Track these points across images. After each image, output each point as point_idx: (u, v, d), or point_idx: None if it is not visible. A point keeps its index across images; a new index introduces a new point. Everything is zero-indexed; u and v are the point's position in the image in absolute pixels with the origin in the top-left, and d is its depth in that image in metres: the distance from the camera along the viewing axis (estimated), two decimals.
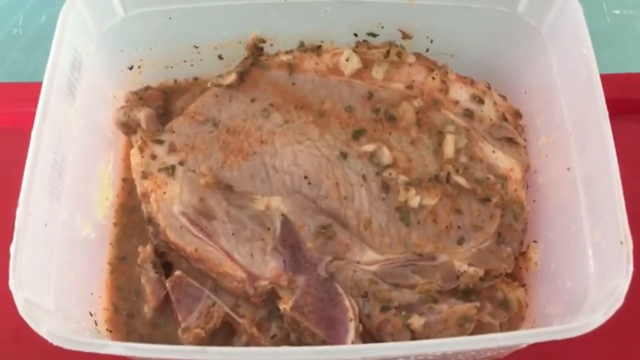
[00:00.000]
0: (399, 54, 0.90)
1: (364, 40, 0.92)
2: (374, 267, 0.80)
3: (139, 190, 0.83)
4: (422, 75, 0.90)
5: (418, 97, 0.87)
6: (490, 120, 0.89)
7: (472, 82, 0.91)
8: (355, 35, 0.91)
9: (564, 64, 0.80)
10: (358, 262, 0.80)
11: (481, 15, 0.88)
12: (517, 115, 0.92)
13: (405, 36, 0.91)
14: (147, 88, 0.94)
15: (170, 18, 0.87)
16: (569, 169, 0.78)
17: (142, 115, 0.84)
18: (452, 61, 0.94)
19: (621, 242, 0.63)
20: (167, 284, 0.79)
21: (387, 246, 0.80)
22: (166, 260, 0.83)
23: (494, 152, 0.87)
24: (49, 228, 0.69)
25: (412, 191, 0.81)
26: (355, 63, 0.88)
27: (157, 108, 0.89)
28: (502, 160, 0.86)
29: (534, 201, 0.87)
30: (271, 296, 0.80)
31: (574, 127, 0.78)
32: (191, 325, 0.77)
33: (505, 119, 0.90)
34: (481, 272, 0.80)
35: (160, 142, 0.84)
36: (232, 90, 0.88)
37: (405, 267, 0.80)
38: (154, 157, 0.83)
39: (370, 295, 0.79)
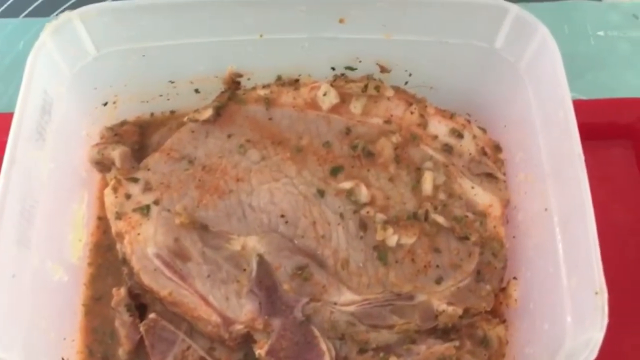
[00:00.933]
0: (377, 88, 0.89)
1: (342, 74, 0.91)
2: (351, 308, 0.79)
3: (113, 230, 0.82)
4: (401, 109, 0.89)
5: (396, 132, 0.86)
6: (470, 154, 0.89)
7: (451, 116, 0.90)
8: (333, 69, 0.90)
9: (540, 102, 0.79)
10: (335, 304, 0.78)
11: (459, 50, 0.87)
12: (497, 149, 0.91)
13: (384, 70, 0.91)
14: (123, 123, 0.92)
15: (144, 55, 0.85)
16: (546, 209, 0.77)
17: (116, 153, 0.83)
18: (431, 93, 0.93)
19: (596, 293, 0.63)
20: (141, 328, 0.78)
21: (364, 286, 0.79)
22: (141, 302, 0.82)
23: (473, 187, 0.86)
24: (17, 278, 0.68)
25: (390, 230, 0.80)
26: (332, 97, 0.87)
27: (133, 144, 0.88)
28: (481, 196, 0.86)
29: (514, 237, 0.86)
30: (247, 339, 0.79)
31: (551, 167, 0.77)
32: None
33: (485, 153, 0.90)
34: (460, 311, 0.79)
35: (135, 180, 0.83)
36: (208, 126, 0.87)
37: (383, 307, 0.79)
38: (128, 196, 0.82)
39: (347, 337, 0.78)
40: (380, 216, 0.82)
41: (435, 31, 0.85)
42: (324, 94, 0.88)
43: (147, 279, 0.78)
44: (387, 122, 0.88)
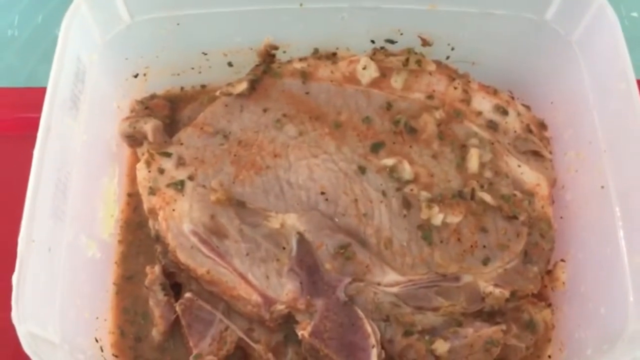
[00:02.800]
0: (418, 62, 0.85)
1: (382, 47, 0.87)
2: (395, 289, 0.76)
3: (145, 206, 0.79)
4: (443, 84, 0.85)
5: (439, 108, 0.83)
6: (515, 132, 0.85)
7: (495, 92, 0.87)
8: (373, 42, 0.87)
9: (596, 76, 0.76)
10: (379, 284, 0.76)
11: (505, 22, 0.83)
12: (542, 126, 0.88)
13: (425, 43, 0.87)
14: (153, 96, 0.89)
15: (178, 24, 0.82)
16: (602, 187, 0.74)
17: (149, 127, 0.80)
18: (473, 69, 0.90)
19: None
20: (177, 308, 0.74)
21: (408, 266, 0.76)
22: (175, 281, 0.78)
23: (519, 166, 0.82)
24: (53, 253, 0.65)
25: (435, 208, 0.77)
26: (372, 71, 0.84)
27: (164, 118, 0.85)
28: (528, 175, 0.82)
29: (561, 218, 0.83)
30: (287, 320, 0.75)
31: (609, 143, 0.74)
32: (203, 351, 0.73)
33: (530, 131, 0.86)
34: (507, 294, 0.76)
35: (168, 155, 0.80)
36: (242, 100, 0.83)
37: (428, 288, 0.76)
38: (161, 171, 0.79)
39: (392, 319, 0.75)
40: (425, 194, 0.78)
41: (480, 2, 0.82)
42: (364, 68, 0.84)
43: (183, 257, 0.75)
44: (429, 97, 0.84)
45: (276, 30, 0.85)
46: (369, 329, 0.74)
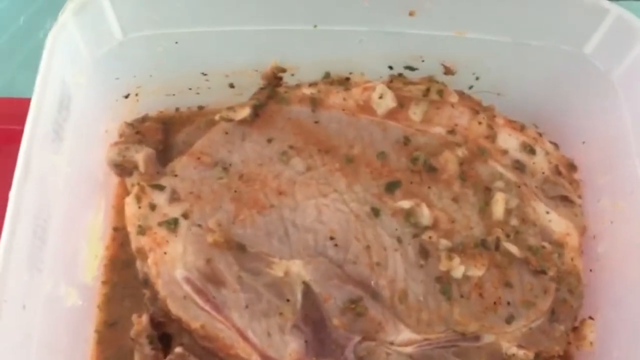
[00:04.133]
0: (440, 92, 0.77)
1: (400, 74, 0.80)
2: (409, 349, 0.68)
3: (133, 245, 0.70)
4: (466, 118, 0.78)
5: (462, 145, 0.75)
6: (543, 173, 0.77)
7: (522, 128, 0.79)
8: (391, 67, 0.79)
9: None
10: (391, 343, 0.68)
11: (539, 53, 0.76)
12: (572, 167, 0.80)
13: (448, 71, 0.79)
14: (145, 119, 0.81)
15: (176, 42, 0.74)
16: None
17: (140, 156, 0.71)
18: (498, 100, 0.82)
19: None
20: None
21: (424, 324, 0.69)
22: (165, 332, 0.70)
23: (547, 212, 0.75)
24: (28, 310, 0.56)
25: (456, 259, 0.69)
26: (389, 101, 0.76)
27: (156, 143, 0.76)
28: (557, 223, 0.75)
29: (591, 271, 0.76)
30: None
31: None
32: None
33: (559, 173, 0.79)
34: (531, 355, 0.69)
35: (161, 188, 0.71)
36: (245, 127, 0.75)
37: (445, 348, 0.69)
38: (153, 207, 0.70)
39: None
40: (444, 242, 0.71)
41: (514, 31, 0.74)
42: (380, 97, 0.76)
43: (175, 308, 0.67)
44: (451, 132, 0.77)
45: (284, 51, 0.77)
46: None
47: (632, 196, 0.69)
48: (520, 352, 0.69)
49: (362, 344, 0.67)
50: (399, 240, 0.71)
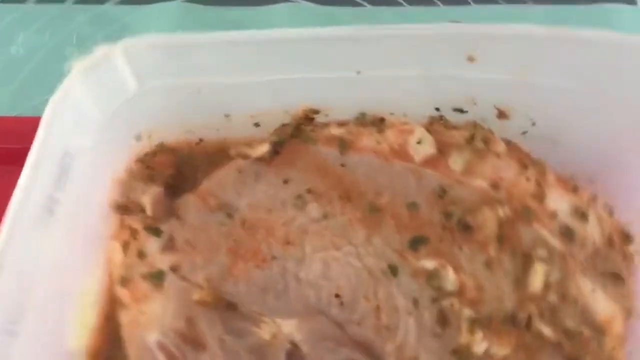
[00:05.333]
0: (485, 140, 0.69)
1: (441, 117, 0.72)
2: None
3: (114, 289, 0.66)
4: (513, 172, 0.69)
5: (505, 203, 0.67)
6: (594, 244, 0.68)
7: (575, 189, 0.70)
8: (437, 109, 0.71)
9: None
10: None
11: (607, 102, 0.66)
12: (627, 238, 0.71)
13: (502, 115, 0.71)
14: (158, 150, 0.73)
15: (199, 92, 0.68)
16: None
17: (147, 198, 0.65)
18: (552, 150, 0.73)
19: None
20: None
21: None
22: None
23: (593, 291, 0.66)
24: None
25: (479, 333, 0.62)
26: (428, 147, 0.68)
27: (168, 177, 0.70)
28: (603, 304, 0.66)
29: (630, 352, 0.67)
30: None
31: None
32: None
33: (612, 244, 0.69)
34: None
35: (157, 233, 0.66)
36: (261, 166, 0.69)
37: None
38: (142, 255, 0.65)
39: None
40: (468, 312, 0.63)
41: (583, 76, 0.65)
42: (418, 142, 0.69)
43: None
44: (494, 186, 0.68)
45: (319, 96, 0.70)
46: None
47: None
48: None
49: None
50: (415, 303, 0.64)
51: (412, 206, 0.67)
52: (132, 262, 0.65)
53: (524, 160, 0.70)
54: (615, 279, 0.68)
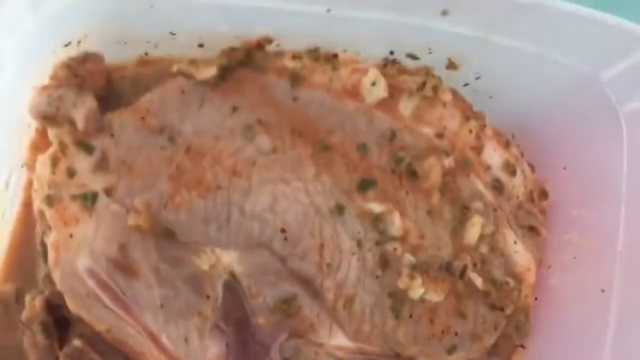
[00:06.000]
0: (434, 89, 0.67)
1: (394, 60, 0.68)
2: (340, 353, 0.62)
3: (36, 209, 0.55)
4: (456, 122, 0.68)
5: (450, 154, 0.66)
6: (518, 198, 0.71)
7: (507, 144, 0.72)
8: (392, 52, 0.67)
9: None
10: (321, 345, 0.62)
11: (551, 67, 0.67)
12: (543, 195, 0.75)
13: (452, 66, 0.69)
14: (86, 58, 0.60)
15: (151, 6, 0.57)
16: (603, 290, 0.64)
17: (80, 113, 0.54)
18: (487, 103, 0.73)
19: None
20: (61, 359, 0.54)
21: (364, 335, 0.62)
22: (61, 315, 0.57)
23: (515, 242, 0.69)
24: None
25: (418, 280, 0.62)
26: (381, 90, 0.65)
27: (98, 90, 0.59)
28: (522, 256, 0.69)
29: (536, 299, 0.72)
30: None
31: (630, 248, 0.62)
32: None
33: (532, 199, 0.73)
34: None
35: (89, 149, 0.56)
36: (206, 90, 0.61)
37: None
38: (71, 173, 0.56)
39: None
40: (409, 258, 0.63)
41: (538, 42, 0.65)
42: (372, 83, 0.64)
43: (75, 307, 0.55)
44: (439, 135, 0.67)
45: (275, 24, 0.63)
46: None
47: (609, 238, 0.64)
48: None
49: (289, 341, 0.60)
50: (359, 244, 0.62)
51: (362, 147, 0.64)
52: (61, 180, 0.55)
53: (467, 112, 0.70)
54: (532, 231, 0.72)
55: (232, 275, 0.59)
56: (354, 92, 0.65)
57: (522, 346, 0.71)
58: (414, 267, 0.63)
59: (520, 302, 0.69)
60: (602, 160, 0.68)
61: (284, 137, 0.61)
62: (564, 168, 0.74)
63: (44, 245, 0.56)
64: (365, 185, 0.63)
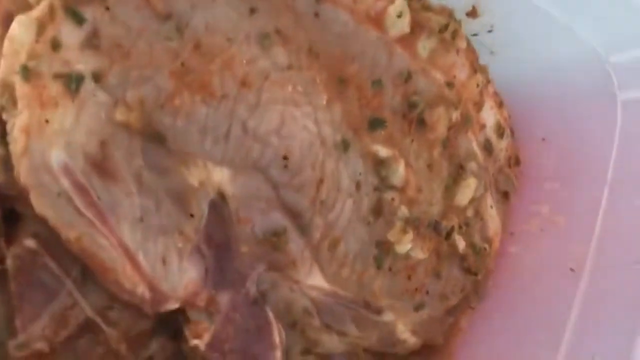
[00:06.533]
0: (454, 33, 0.63)
1: None
2: (314, 293, 0.59)
3: (1, 75, 0.44)
4: (465, 73, 0.65)
5: (458, 107, 0.62)
6: (499, 162, 0.71)
7: (500, 105, 0.70)
8: None
9: (630, 158, 0.64)
10: (297, 282, 0.58)
11: (566, 38, 0.66)
12: (517, 161, 0.75)
13: (472, 14, 0.65)
14: None
15: None
16: (572, 270, 0.64)
17: None
18: (487, 58, 0.71)
19: None
20: (9, 260, 0.45)
21: (341, 279, 0.59)
22: (12, 209, 0.47)
23: (491, 207, 0.69)
24: None
25: (409, 235, 0.59)
26: (405, 23, 0.59)
27: None
28: (494, 221, 0.69)
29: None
30: (172, 312, 0.53)
31: (608, 233, 0.63)
32: (32, 337, 0.46)
33: (509, 165, 0.73)
34: (419, 345, 0.66)
35: (80, 19, 0.45)
36: None
37: (347, 308, 0.61)
38: (56, 45, 0.44)
39: (298, 328, 0.60)
40: (404, 211, 0.60)
41: (563, 8, 0.64)
42: (398, 15, 0.58)
43: (42, 206, 0.45)
44: (449, 84, 0.63)
45: None
46: (277, 339, 0.57)
47: (585, 219, 0.65)
48: (412, 340, 0.65)
49: (267, 273, 0.56)
50: (358, 186, 0.58)
51: (378, 83, 0.58)
52: (43, 51, 0.44)
53: (475, 65, 0.66)
54: (504, 197, 0.72)
55: (221, 195, 0.52)
56: (378, 21, 0.58)
57: (471, 307, 0.73)
58: (407, 221, 0.60)
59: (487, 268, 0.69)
60: (589, 140, 0.69)
61: (300, 55, 0.54)
62: (543, 139, 0.74)
63: (1, 124, 0.45)
64: (375, 124, 0.58)
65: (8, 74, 0.43)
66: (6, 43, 0.43)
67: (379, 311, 0.62)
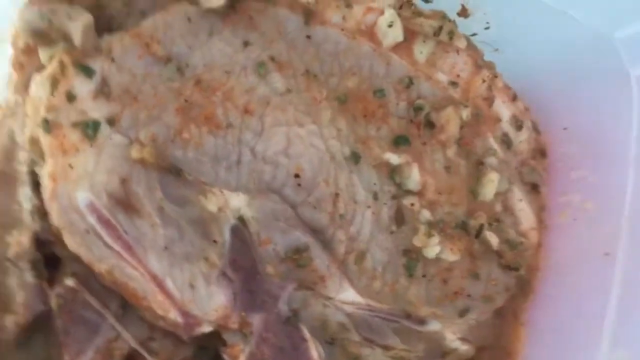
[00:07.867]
0: (450, 34, 0.64)
1: (409, 1, 0.64)
2: (349, 308, 0.59)
3: (28, 135, 0.49)
4: (468, 70, 0.65)
5: (468, 105, 0.63)
6: (522, 154, 0.70)
7: (514, 97, 0.70)
8: None
9: None
10: (329, 298, 0.58)
11: (566, 23, 0.66)
12: (542, 154, 0.74)
13: (463, 13, 0.67)
14: None
15: None
16: (607, 254, 0.63)
17: (77, 25, 0.47)
18: (492, 56, 0.71)
19: None
20: (53, 300, 0.48)
21: (374, 291, 0.59)
22: (51, 252, 0.51)
23: (520, 200, 0.68)
24: None
25: (435, 238, 0.59)
26: (398, 32, 0.61)
27: (90, 9, 0.50)
28: (527, 214, 0.68)
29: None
30: (210, 336, 0.55)
31: (638, 213, 0.61)
32: None
33: (535, 157, 0.72)
34: (473, 352, 0.64)
35: (89, 72, 0.50)
36: (215, 20, 0.55)
37: (386, 321, 0.61)
38: (71, 98, 0.49)
39: (337, 343, 0.59)
40: (426, 214, 0.60)
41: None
42: (389, 25, 0.61)
43: (74, 244, 0.49)
44: (453, 83, 0.65)
45: None
46: (315, 355, 0.57)
47: (614, 202, 0.63)
48: (463, 348, 0.63)
49: (298, 292, 0.57)
50: (375, 196, 0.59)
51: (380, 93, 0.60)
52: (60, 104, 0.48)
53: (479, 61, 0.67)
54: (534, 190, 0.71)
55: (241, 219, 0.54)
56: (370, 34, 0.60)
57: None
58: (430, 225, 0.60)
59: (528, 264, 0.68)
60: (608, 122, 0.67)
61: (297, 77, 0.57)
62: (564, 129, 0.73)
63: (33, 176, 0.49)
64: (399, 142, 0.60)
65: (33, 130, 0.48)
66: (28, 103, 0.48)
67: (422, 321, 0.62)
